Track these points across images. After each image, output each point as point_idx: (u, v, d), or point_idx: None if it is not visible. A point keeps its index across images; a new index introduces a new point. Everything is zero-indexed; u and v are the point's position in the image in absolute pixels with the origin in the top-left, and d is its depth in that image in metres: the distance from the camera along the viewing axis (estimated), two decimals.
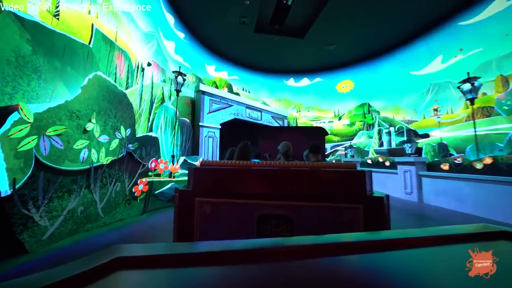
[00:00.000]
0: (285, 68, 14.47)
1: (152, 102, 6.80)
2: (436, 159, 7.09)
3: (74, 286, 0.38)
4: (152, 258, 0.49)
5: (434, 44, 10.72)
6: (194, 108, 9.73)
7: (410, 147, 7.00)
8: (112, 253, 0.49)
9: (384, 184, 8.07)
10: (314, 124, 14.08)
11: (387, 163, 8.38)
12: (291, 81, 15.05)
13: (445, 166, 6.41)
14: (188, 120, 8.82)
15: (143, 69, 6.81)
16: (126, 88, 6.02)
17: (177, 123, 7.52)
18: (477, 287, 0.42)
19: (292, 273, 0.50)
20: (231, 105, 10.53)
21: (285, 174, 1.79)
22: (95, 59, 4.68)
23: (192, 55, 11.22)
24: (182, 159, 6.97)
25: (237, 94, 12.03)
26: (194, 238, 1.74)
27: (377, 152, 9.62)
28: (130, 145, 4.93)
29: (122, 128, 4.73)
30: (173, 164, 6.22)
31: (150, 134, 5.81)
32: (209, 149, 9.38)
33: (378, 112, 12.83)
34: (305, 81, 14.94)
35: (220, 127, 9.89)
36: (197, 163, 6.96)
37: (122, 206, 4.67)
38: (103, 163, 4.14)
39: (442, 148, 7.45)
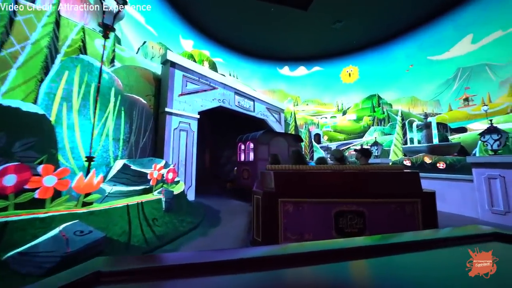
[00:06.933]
0: (278, 53, 11.43)
1: (52, 49, 3.18)
2: None
3: None
4: (135, 271, 0.43)
5: (462, 20, 8.38)
6: (159, 88, 6.17)
7: (497, 140, 4.19)
8: (91, 267, 0.43)
9: (442, 196, 5.16)
10: (315, 120, 11.11)
11: (441, 165, 5.55)
12: (285, 70, 12.05)
13: None
14: (144, 101, 5.21)
15: None
16: None
17: (117, 100, 3.95)
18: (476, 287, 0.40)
19: (285, 281, 0.46)
20: (214, 88, 7.10)
21: (354, 175, 2.08)
22: None
23: (160, 20, 7.63)
24: (119, 163, 3.38)
25: (223, 75, 8.65)
26: (279, 234, 1.93)
27: (408, 150, 6.87)
28: None
29: None
30: (85, 175, 2.64)
31: (15, 106, 2.21)
32: (181, 147, 5.84)
33: (390, 105, 10.22)
34: (301, 70, 12.03)
35: (198, 116, 6.42)
36: (151, 171, 3.40)
37: None
38: None
39: None
